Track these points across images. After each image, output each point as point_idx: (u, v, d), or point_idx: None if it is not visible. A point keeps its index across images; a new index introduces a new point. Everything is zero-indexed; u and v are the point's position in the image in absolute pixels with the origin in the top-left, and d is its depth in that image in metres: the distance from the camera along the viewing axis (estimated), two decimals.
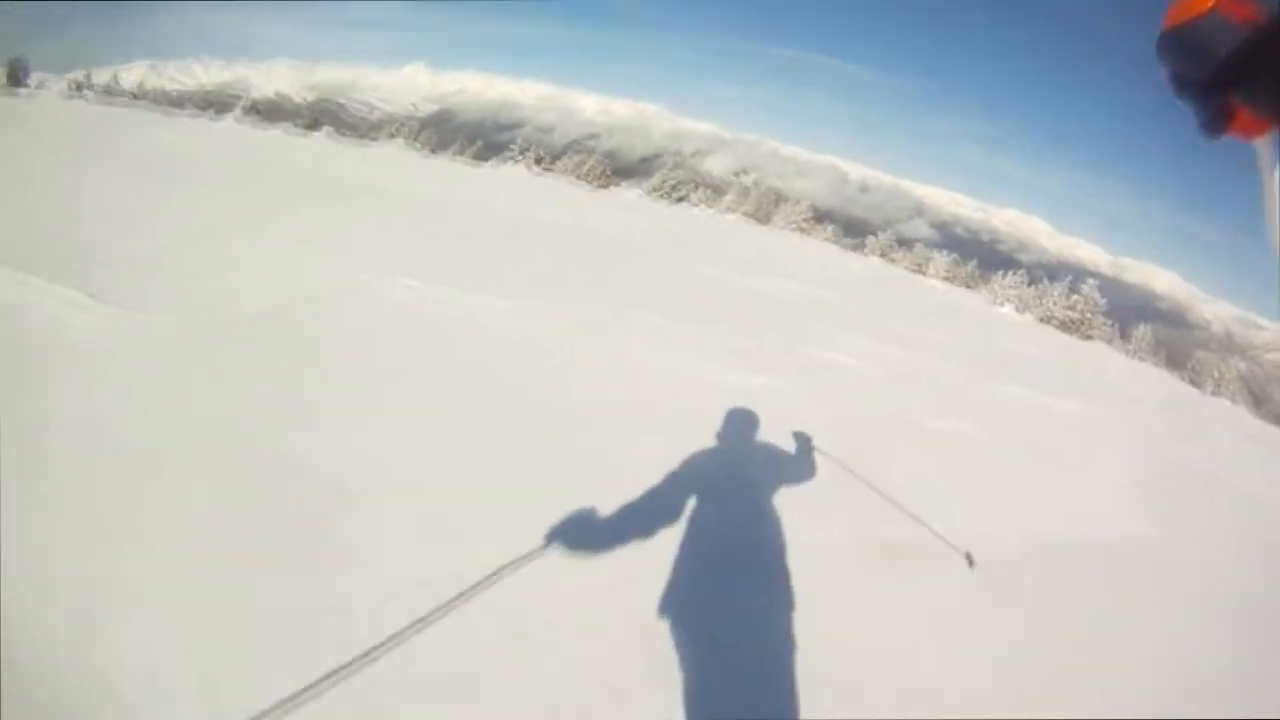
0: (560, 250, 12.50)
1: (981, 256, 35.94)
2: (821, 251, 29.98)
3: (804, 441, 4.47)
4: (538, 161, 41.39)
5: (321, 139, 39.93)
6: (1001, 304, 31.63)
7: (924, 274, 36.54)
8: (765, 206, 40.57)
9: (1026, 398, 9.76)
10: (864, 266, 28.44)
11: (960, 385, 9.62)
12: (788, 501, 3.71)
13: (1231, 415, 25.63)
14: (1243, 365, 43.98)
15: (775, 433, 4.72)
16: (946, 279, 38.89)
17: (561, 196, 26.56)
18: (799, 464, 4.25)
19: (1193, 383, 41.22)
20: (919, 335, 12.57)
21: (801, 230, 39.14)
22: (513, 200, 19.40)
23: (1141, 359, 41.86)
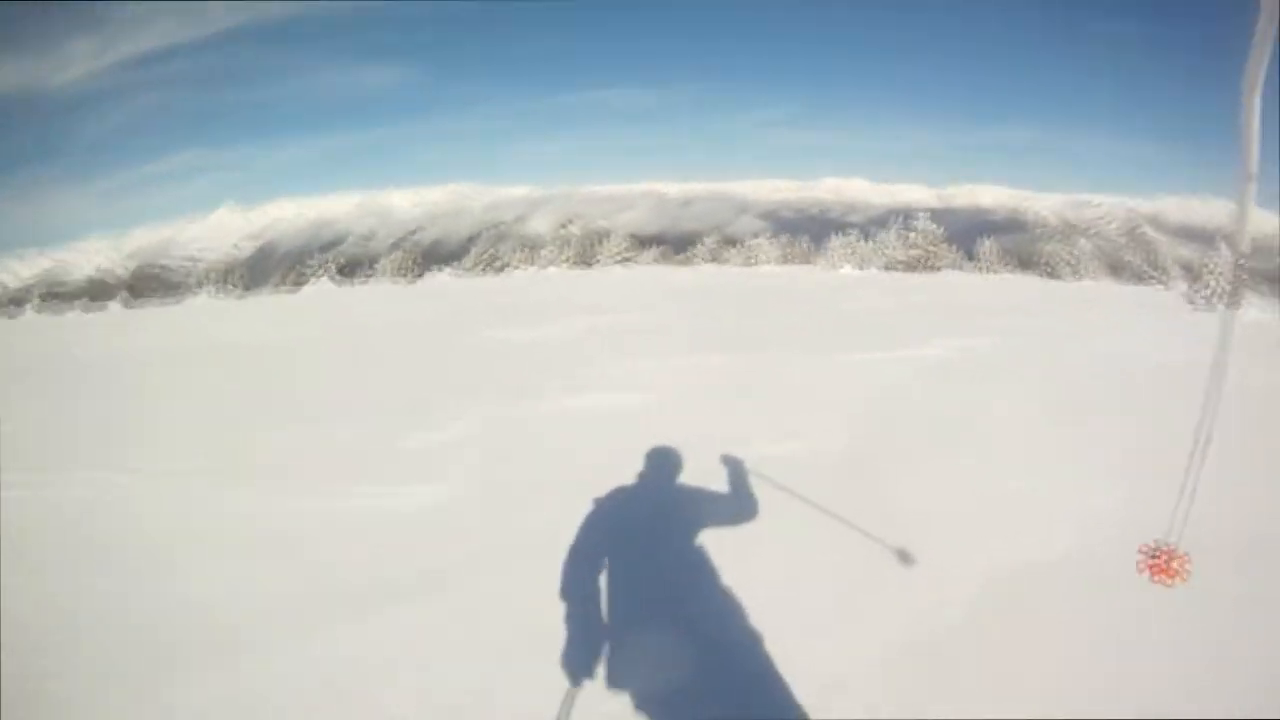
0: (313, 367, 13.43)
1: (814, 231, 38.63)
2: (646, 275, 33.12)
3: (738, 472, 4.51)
4: (340, 271, 46.58)
5: (118, 310, 37.69)
6: (840, 266, 33.07)
7: (756, 264, 39.32)
8: (586, 249, 43.12)
9: (872, 358, 11.33)
10: (692, 277, 30.50)
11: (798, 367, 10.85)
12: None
13: (1104, 291, 28.86)
14: (1086, 244, 48.05)
15: None
16: (784, 260, 41.69)
17: (367, 301, 26.25)
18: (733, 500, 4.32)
19: (1051, 275, 44.97)
20: (749, 330, 14.04)
21: (625, 261, 41.40)
22: (315, 321, 19.06)
23: (995, 272, 45.21)
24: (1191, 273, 51.98)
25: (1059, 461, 5.97)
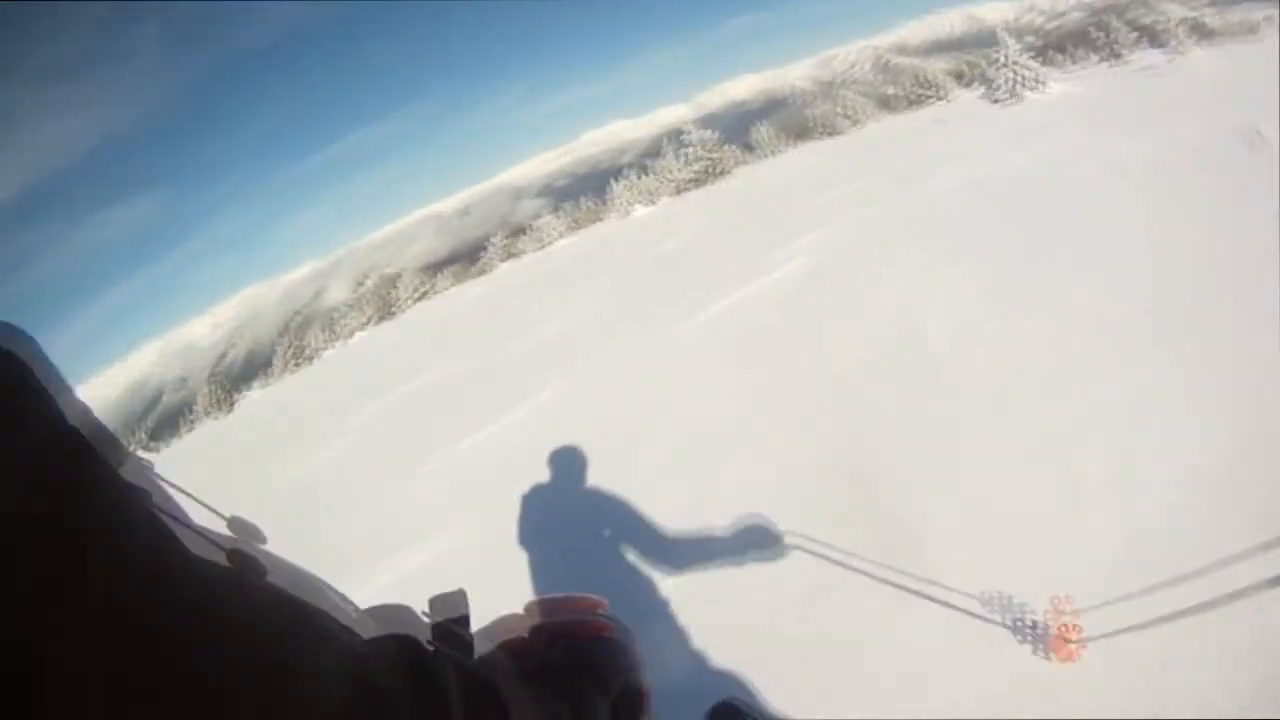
0: None
1: (592, 188, 37.29)
2: (447, 304, 31.13)
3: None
4: (152, 437, 43.08)
5: None
6: (632, 209, 33.94)
7: (551, 245, 38.48)
8: (384, 299, 43.16)
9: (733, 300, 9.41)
10: (491, 286, 30.34)
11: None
12: None
13: (898, 124, 29.99)
14: (849, 93, 50.02)
15: None
16: (575, 228, 41.11)
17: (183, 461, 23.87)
18: None
19: (834, 133, 46.56)
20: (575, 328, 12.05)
21: (423, 297, 41.31)
22: None
23: (779, 153, 46.21)
24: (964, 77, 56.75)
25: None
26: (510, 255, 41.93)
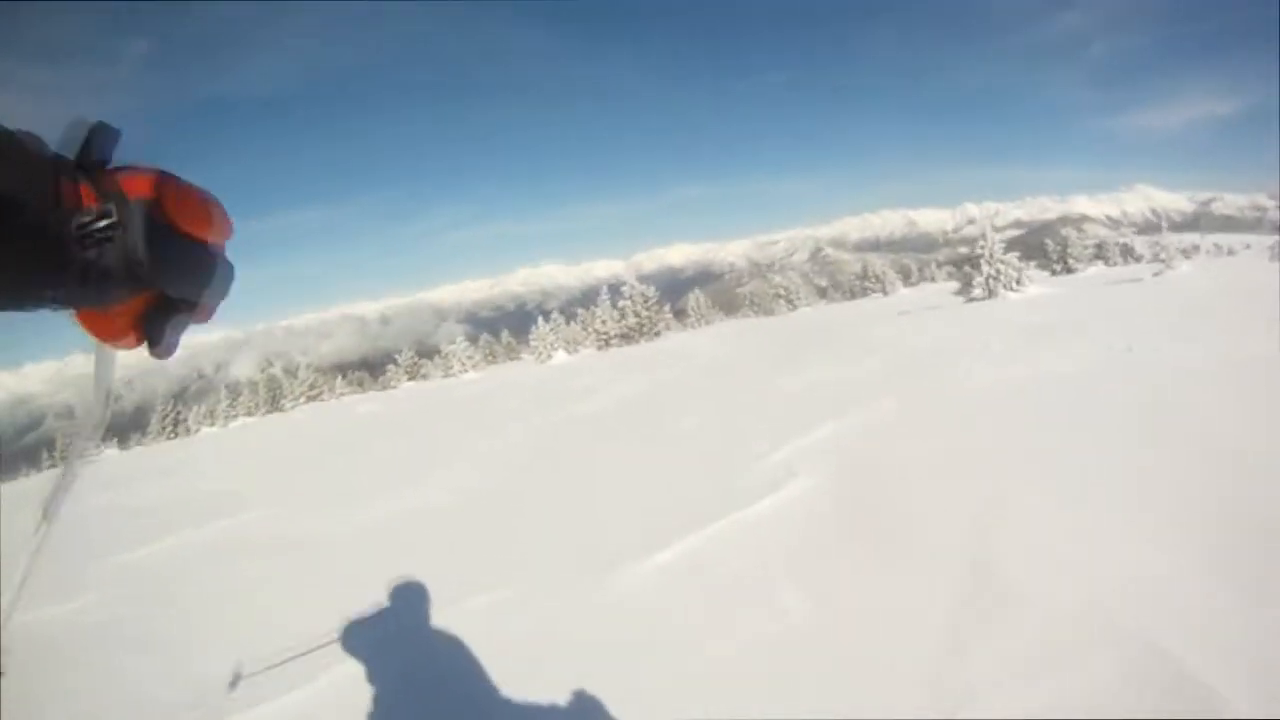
0: None
1: (513, 325, 35.79)
2: (333, 412, 27.61)
3: None
4: None
5: None
6: (552, 355, 29.83)
7: (460, 373, 38.34)
8: (274, 392, 42.59)
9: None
10: (383, 404, 26.54)
11: None
12: None
13: (850, 311, 28.31)
14: (779, 279, 50.56)
15: None
16: (488, 360, 43.29)
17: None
18: None
19: (764, 313, 46.64)
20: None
21: (312, 398, 41.14)
22: None
23: (709, 323, 45.96)
24: (910, 276, 58.45)
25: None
26: (417, 375, 42.85)
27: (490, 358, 45.86)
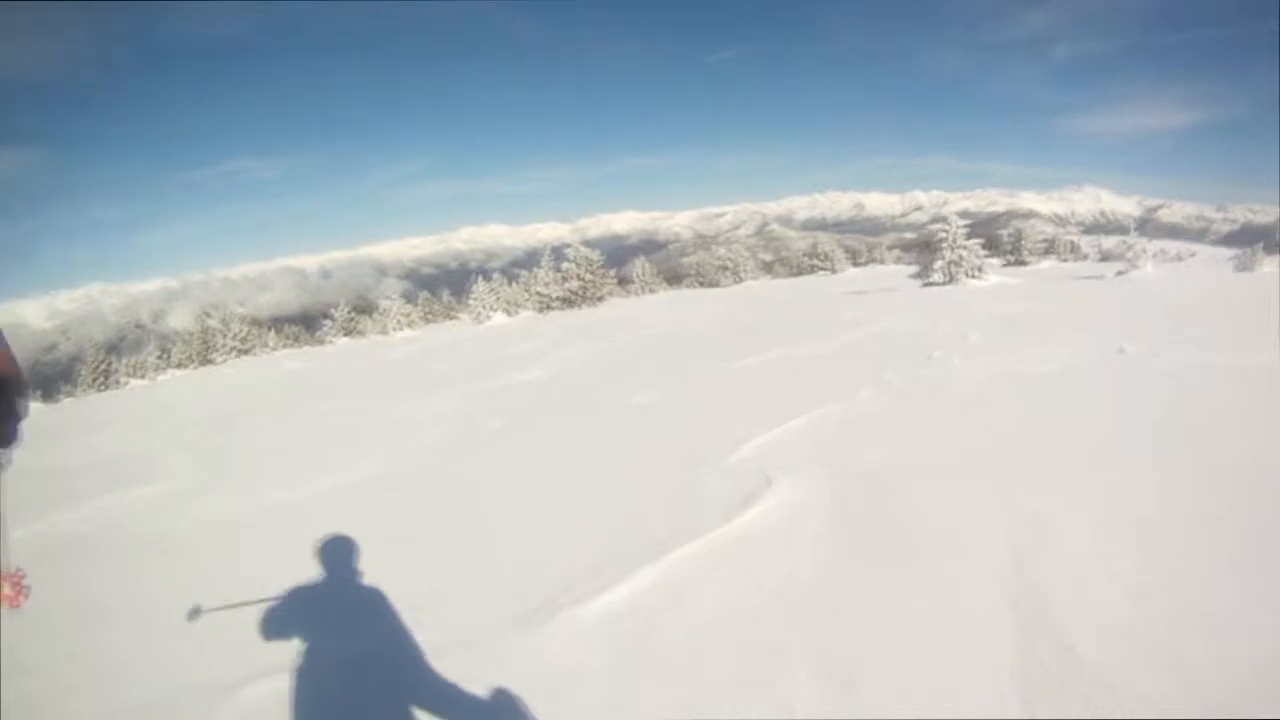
0: None
1: (455, 284, 34.49)
2: (261, 371, 24.51)
3: None
4: None
5: None
6: (489, 316, 31.59)
7: (391, 332, 36.80)
8: (206, 344, 39.97)
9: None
10: (310, 359, 25.61)
11: None
12: None
13: (801, 287, 27.62)
14: (723, 251, 49.73)
15: None
16: (425, 319, 41.05)
17: None
18: None
19: (706, 284, 45.87)
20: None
21: (243, 352, 38.55)
22: None
23: (652, 291, 44.89)
24: (857, 256, 58.23)
25: None
26: (353, 332, 40.90)
27: (429, 316, 44.00)
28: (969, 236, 18.59)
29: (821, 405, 6.77)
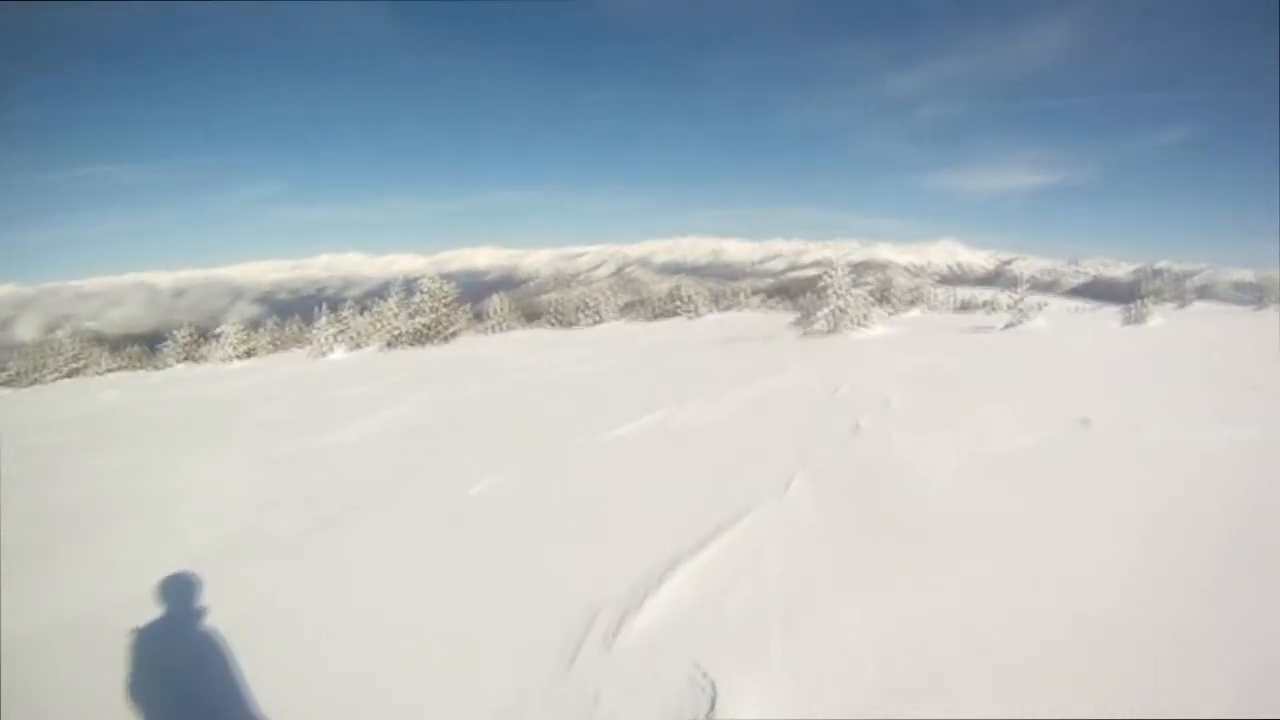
0: None
1: (310, 311, 31.81)
2: (53, 401, 21.32)
3: None
4: None
5: None
6: (330, 350, 29.29)
7: (225, 362, 34.03)
8: (35, 365, 37.79)
9: None
10: (121, 392, 21.19)
11: None
12: None
13: (652, 333, 26.57)
14: (582, 290, 48.64)
15: None
16: (274, 346, 39.54)
17: None
18: None
19: (567, 324, 44.43)
20: None
21: (75, 373, 36.96)
22: None
23: (508, 329, 42.96)
24: (719, 300, 57.54)
25: None
26: (194, 358, 38.75)
27: (276, 344, 41.64)
28: (854, 284, 17.29)
29: (743, 514, 4.66)
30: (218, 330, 40.95)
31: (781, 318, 38.17)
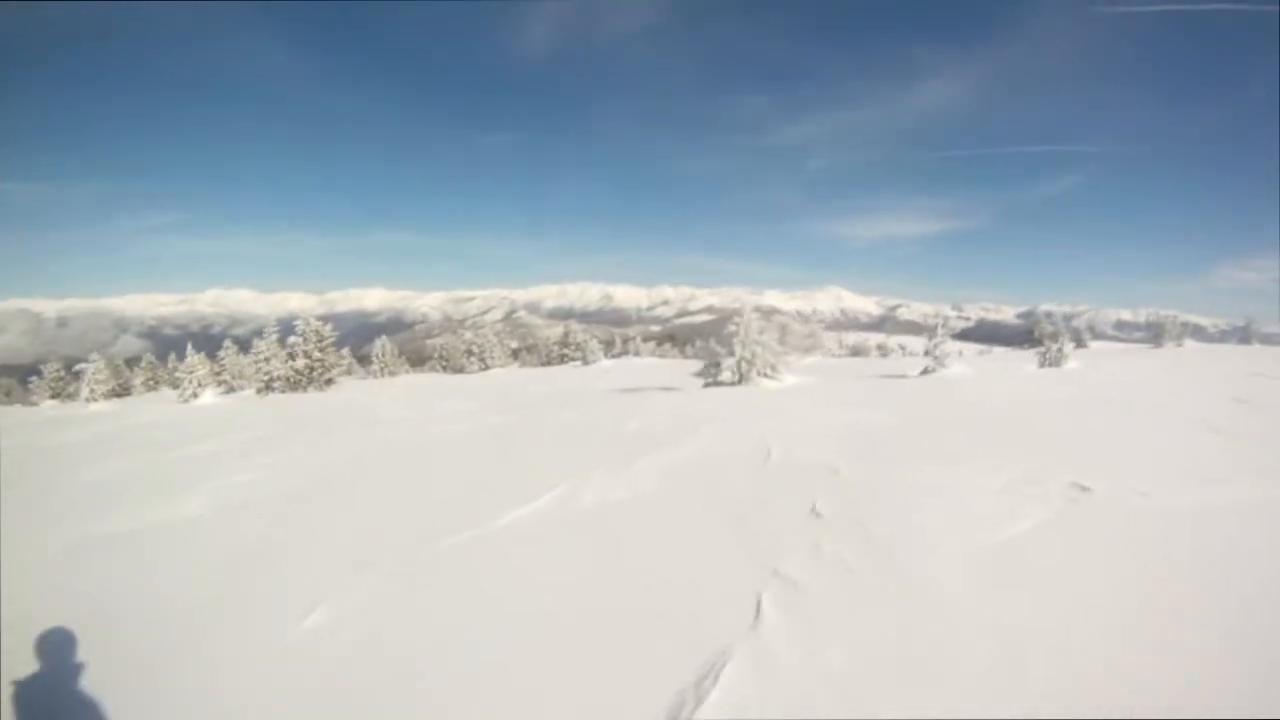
0: None
1: (198, 346, 31.64)
2: None
3: None
4: None
5: None
6: (198, 394, 27.85)
7: (90, 402, 32.47)
8: None
9: None
10: None
11: None
12: None
13: (544, 379, 26.40)
14: (470, 335, 47.48)
15: None
16: (148, 385, 40.45)
17: None
18: None
19: (455, 369, 42.86)
20: None
21: None
22: None
23: (392, 374, 41.07)
24: (610, 346, 56.37)
25: None
26: (63, 395, 38.96)
27: (150, 384, 42.44)
28: (762, 331, 16.11)
29: (711, 671, 3.13)
30: (76, 368, 38.63)
31: (678, 365, 37.04)
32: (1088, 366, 18.11)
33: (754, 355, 15.74)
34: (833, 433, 8.57)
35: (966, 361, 22.48)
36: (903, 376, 17.51)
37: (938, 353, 17.67)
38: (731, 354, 15.90)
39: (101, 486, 9.06)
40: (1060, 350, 18.97)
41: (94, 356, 34.59)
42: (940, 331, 17.72)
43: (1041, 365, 18.87)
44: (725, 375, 15.94)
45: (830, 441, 7.91)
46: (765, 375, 15.85)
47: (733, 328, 15.99)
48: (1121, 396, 11.23)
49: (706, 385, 16.31)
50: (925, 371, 17.64)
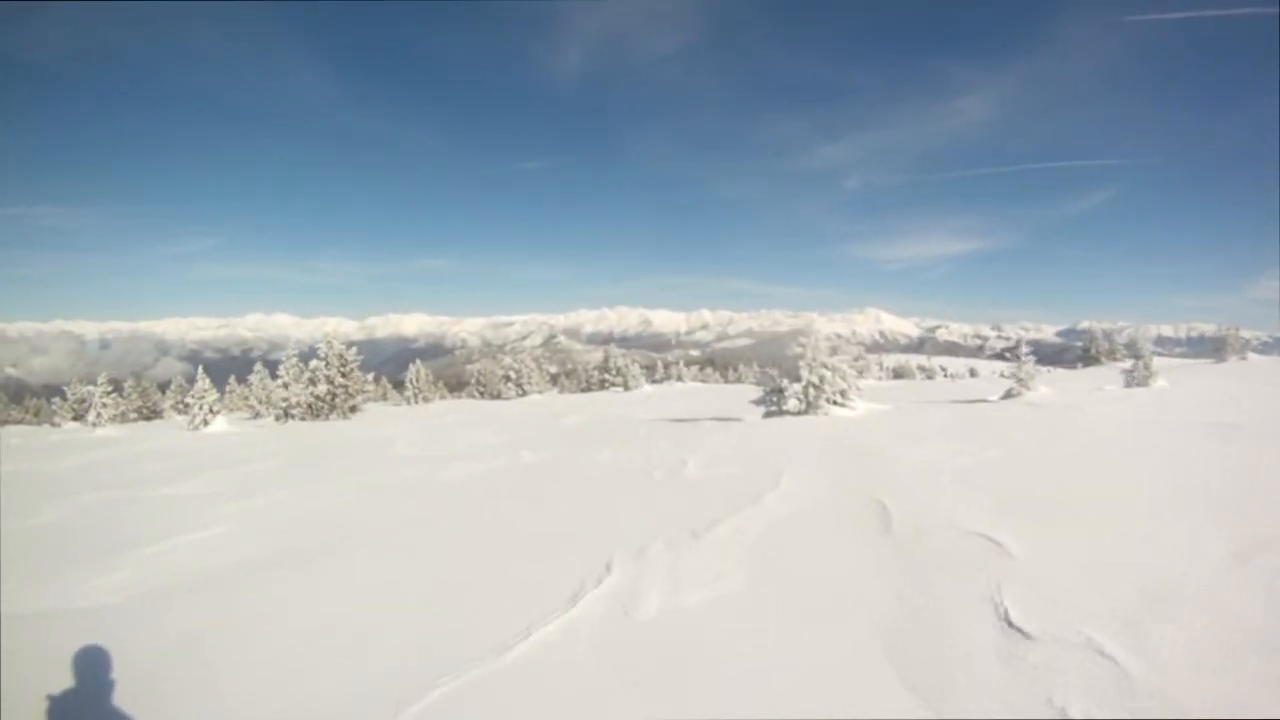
0: None
1: (238, 370, 29.07)
2: None
3: None
4: None
5: None
6: (208, 421, 25.59)
7: (96, 427, 30.90)
8: None
9: None
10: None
11: None
12: None
13: (585, 406, 24.77)
14: (509, 360, 46.43)
15: None
16: (178, 410, 39.11)
17: None
18: None
19: (492, 395, 41.50)
20: None
21: None
22: None
23: (426, 400, 39.71)
24: (653, 372, 54.83)
25: None
26: (84, 417, 35.14)
27: (180, 405, 40.04)
28: (834, 351, 14.22)
29: None
30: (74, 394, 38.42)
31: (723, 390, 35.03)
32: (1173, 386, 16.26)
33: (822, 380, 13.82)
34: (948, 477, 6.68)
35: (1048, 381, 20.37)
36: (984, 401, 15.80)
37: (1022, 373, 15.81)
38: (796, 379, 13.99)
39: (39, 538, 7.37)
40: (1147, 368, 17.04)
41: (101, 379, 33.48)
42: (1025, 353, 15.79)
43: (1128, 385, 16.99)
44: (791, 404, 14.01)
45: (958, 494, 6.02)
46: (835, 403, 13.93)
47: (798, 349, 14.06)
48: (1232, 422, 9.12)
49: (768, 415, 14.45)
50: (1009, 394, 15.90)
